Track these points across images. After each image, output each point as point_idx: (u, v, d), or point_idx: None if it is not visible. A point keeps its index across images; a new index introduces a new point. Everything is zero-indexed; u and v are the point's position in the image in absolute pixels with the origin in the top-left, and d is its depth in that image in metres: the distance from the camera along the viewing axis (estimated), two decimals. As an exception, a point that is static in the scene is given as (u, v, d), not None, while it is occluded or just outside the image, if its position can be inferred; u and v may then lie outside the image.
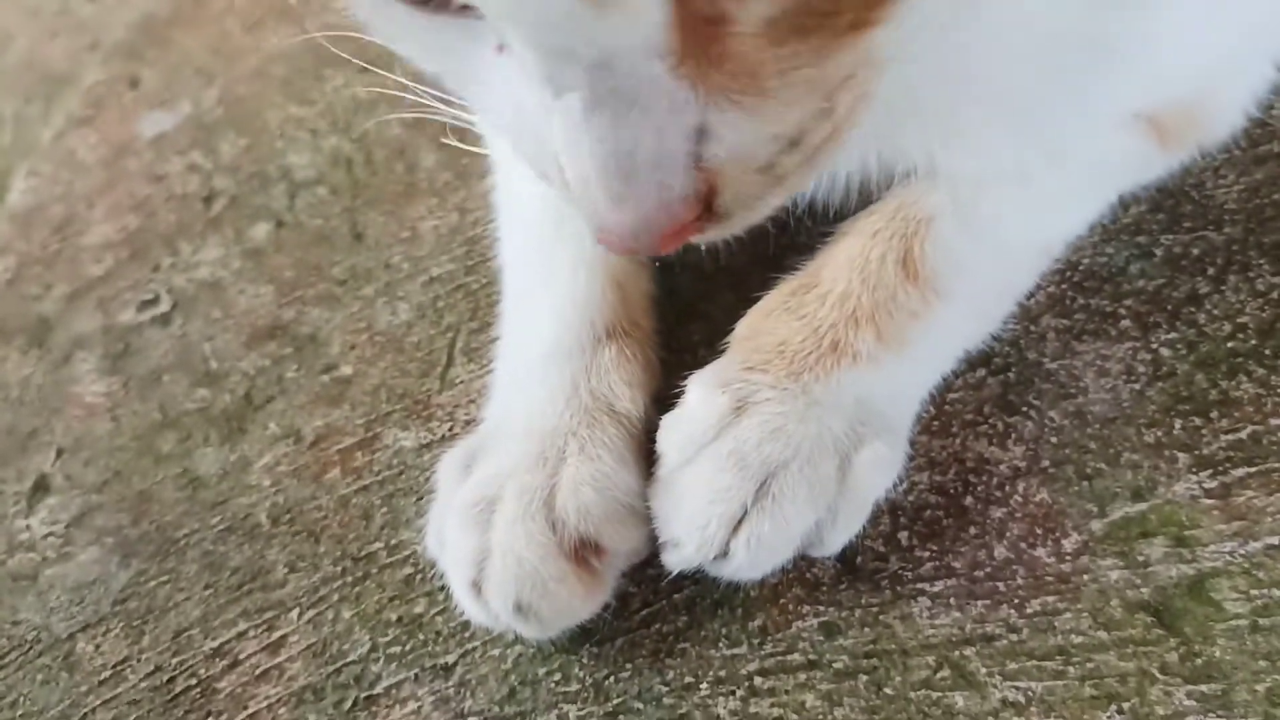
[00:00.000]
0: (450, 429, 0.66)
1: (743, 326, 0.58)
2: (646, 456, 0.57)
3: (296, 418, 0.69)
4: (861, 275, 0.57)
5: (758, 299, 0.58)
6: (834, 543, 0.54)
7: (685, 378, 0.57)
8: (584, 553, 0.55)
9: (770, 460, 0.53)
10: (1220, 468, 0.55)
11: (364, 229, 0.79)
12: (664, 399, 0.58)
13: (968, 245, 0.57)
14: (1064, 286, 0.63)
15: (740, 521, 0.52)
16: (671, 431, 0.56)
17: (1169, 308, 0.61)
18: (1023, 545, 0.55)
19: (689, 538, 0.53)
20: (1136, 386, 0.59)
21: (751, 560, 0.53)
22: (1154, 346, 0.60)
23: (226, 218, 0.83)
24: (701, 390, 0.56)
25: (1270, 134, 0.67)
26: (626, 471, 0.56)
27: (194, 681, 0.60)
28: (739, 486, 0.53)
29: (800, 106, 0.41)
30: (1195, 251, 0.63)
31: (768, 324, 0.58)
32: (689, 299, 0.66)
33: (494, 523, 0.55)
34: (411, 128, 0.85)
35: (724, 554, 0.53)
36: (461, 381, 0.68)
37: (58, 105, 0.98)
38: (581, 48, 0.37)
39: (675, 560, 0.54)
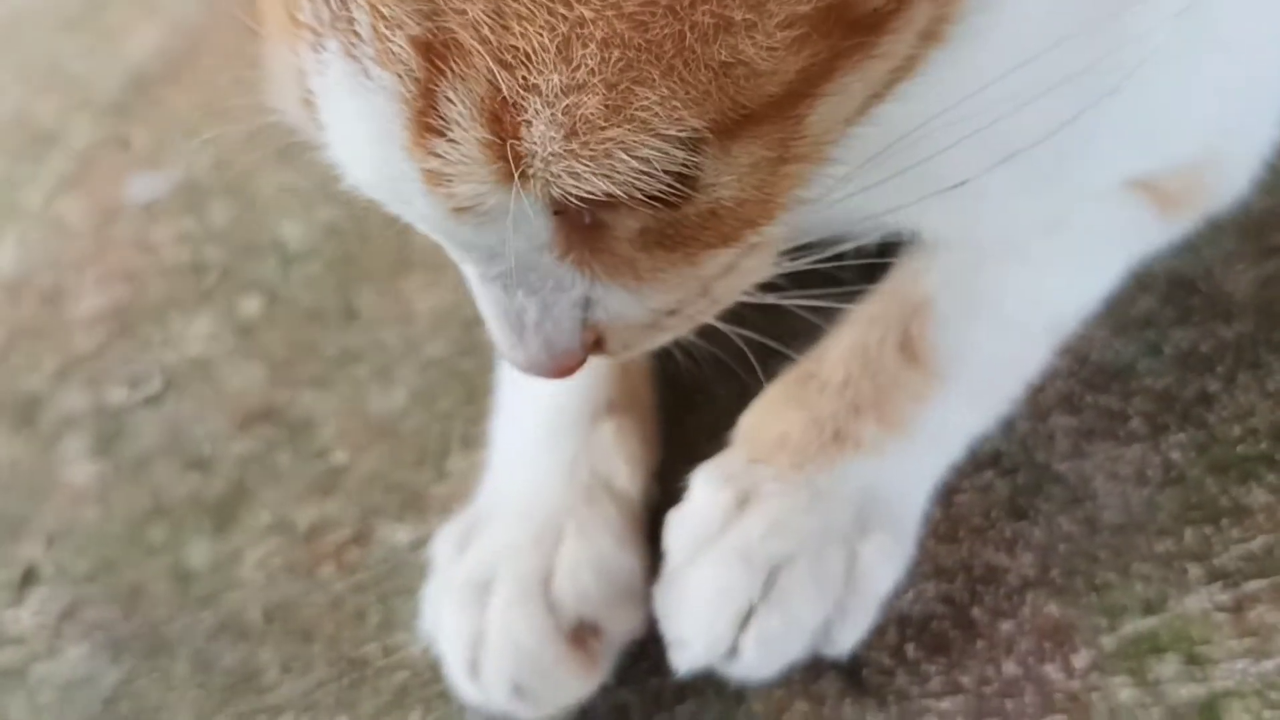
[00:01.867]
0: (446, 522, 0.65)
1: (746, 419, 0.58)
2: (645, 532, 0.57)
3: (289, 508, 0.68)
4: (862, 362, 0.56)
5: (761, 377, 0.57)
6: (844, 640, 0.53)
7: (691, 463, 0.56)
8: (582, 634, 0.54)
9: (776, 555, 0.52)
10: (1232, 580, 0.54)
11: (357, 305, 0.78)
12: (671, 489, 0.57)
13: (968, 324, 0.57)
14: (1073, 382, 0.62)
15: (748, 618, 0.51)
16: (676, 528, 0.55)
17: (1179, 408, 0.60)
18: (1031, 661, 0.54)
19: (697, 636, 0.52)
20: (1147, 492, 0.57)
21: (761, 658, 0.52)
22: (1164, 449, 0.59)
23: (218, 290, 0.82)
24: (705, 485, 0.55)
25: (1280, 222, 0.66)
26: (625, 552, 0.56)
27: (184, 792, 0.59)
28: (745, 582, 0.52)
29: (675, 294, 0.43)
30: (1205, 348, 0.62)
31: (770, 416, 0.57)
32: (693, 381, 0.64)
33: (490, 603, 0.54)
34: (407, 198, 0.83)
35: (733, 652, 0.52)
36: (457, 472, 0.67)
37: (47, 166, 0.96)
38: (470, 243, 0.40)
39: (683, 660, 0.53)
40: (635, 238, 0.41)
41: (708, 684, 0.54)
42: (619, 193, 0.36)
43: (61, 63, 1.08)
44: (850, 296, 0.56)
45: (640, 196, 0.37)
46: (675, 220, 0.39)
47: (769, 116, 0.36)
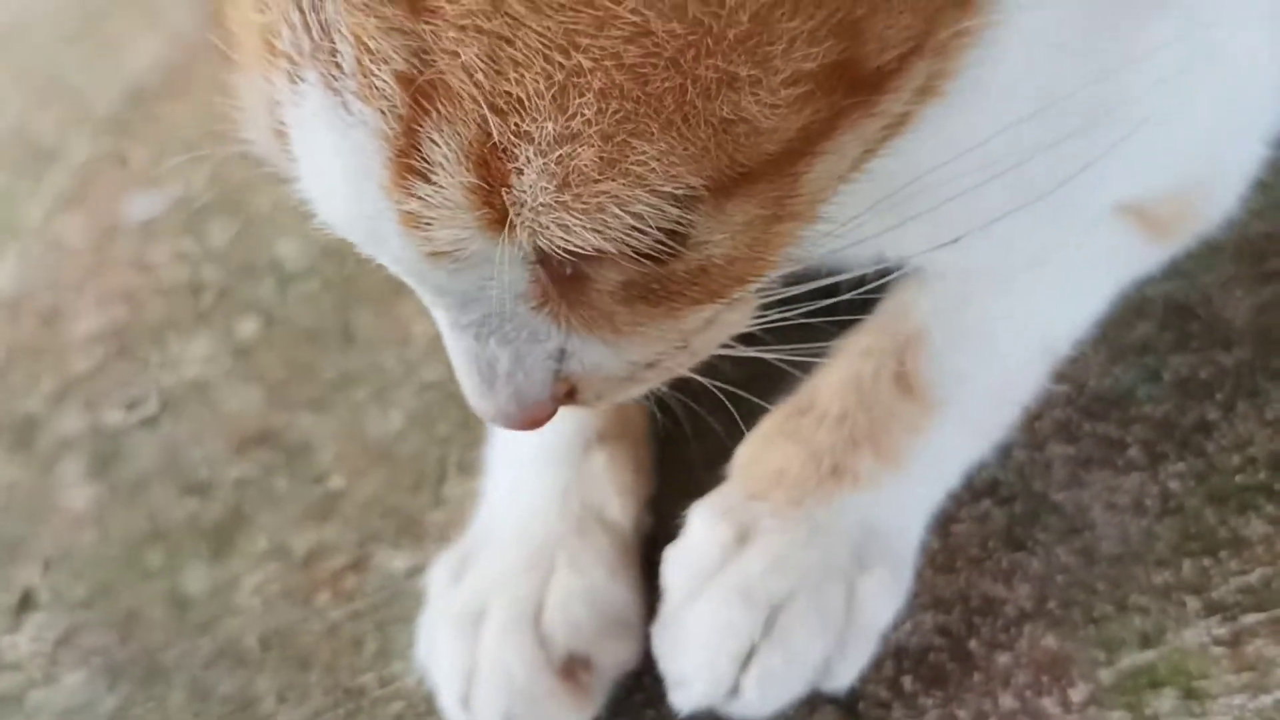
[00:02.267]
0: (442, 550, 0.65)
1: (742, 453, 0.57)
2: (639, 563, 0.57)
3: (286, 533, 0.68)
4: (857, 395, 0.56)
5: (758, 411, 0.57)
6: (844, 675, 0.53)
7: (687, 494, 0.56)
8: (573, 666, 0.54)
9: (776, 592, 0.52)
10: (1230, 613, 0.54)
11: (355, 327, 0.78)
12: (668, 522, 0.57)
13: (961, 353, 0.57)
14: (1070, 410, 0.62)
15: (750, 657, 0.51)
16: (675, 565, 0.55)
17: (1177, 436, 0.60)
18: (1029, 694, 0.54)
19: (698, 676, 0.52)
20: (1145, 522, 0.57)
21: (763, 696, 0.52)
22: (1162, 478, 0.59)
23: (215, 311, 0.82)
24: (703, 521, 0.55)
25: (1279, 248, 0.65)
26: (617, 584, 0.56)
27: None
28: (746, 621, 0.52)
29: (654, 348, 0.43)
30: (1204, 375, 0.62)
31: (767, 450, 0.57)
32: (688, 409, 0.64)
33: (482, 635, 0.54)
34: (404, 218, 0.83)
35: (734, 691, 0.51)
36: (454, 499, 0.67)
37: (47, 182, 0.96)
38: (444, 288, 0.39)
39: (684, 700, 0.53)
40: (617, 291, 0.40)
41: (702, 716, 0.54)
42: (609, 247, 0.35)
43: (61, 74, 1.08)
44: (824, 350, 0.56)
45: (629, 252, 0.36)
46: (661, 276, 0.39)
47: (766, 174, 0.36)
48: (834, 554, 0.53)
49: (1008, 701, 0.54)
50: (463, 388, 0.44)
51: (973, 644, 0.56)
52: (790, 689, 0.52)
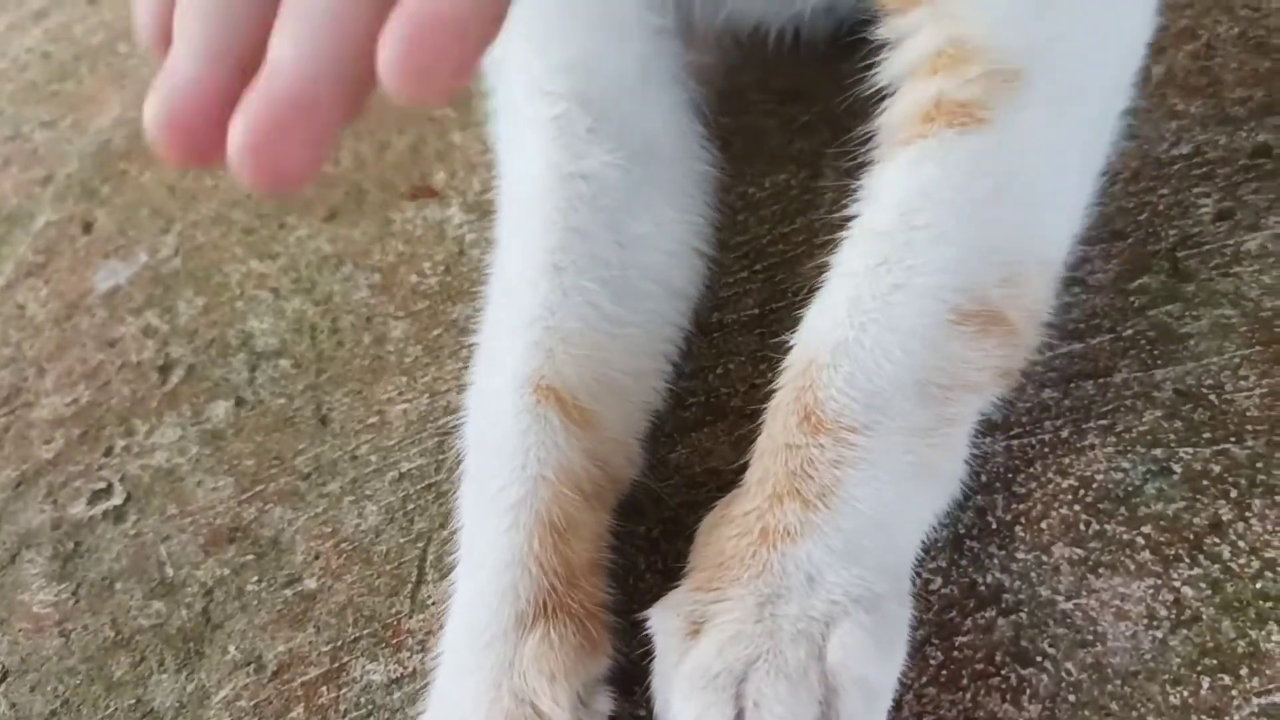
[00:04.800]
0: (421, 660, 0.62)
1: (691, 554, 0.56)
2: None
3: (258, 640, 0.65)
4: (772, 451, 0.54)
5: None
6: None
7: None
8: None
9: (735, 664, 0.50)
10: (1252, 736, 0.51)
11: (329, 411, 0.74)
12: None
13: (860, 365, 0.54)
14: (1077, 508, 0.59)
15: None
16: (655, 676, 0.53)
17: (1190, 537, 0.57)
18: (1041, 825, 0.51)
19: None
20: (1159, 634, 0.54)
21: None
22: (1175, 584, 0.56)
23: (183, 392, 0.78)
24: (657, 625, 0.53)
25: (1290, 327, 0.63)
26: None
27: None
28: (716, 702, 0.49)
29: None
30: (1216, 469, 0.59)
31: (707, 543, 0.55)
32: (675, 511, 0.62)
33: None
34: (379, 291, 0.80)
35: None
36: (433, 602, 0.64)
37: (8, 249, 0.93)
38: None
39: None
40: None
41: None
42: None
43: (22, 134, 1.05)
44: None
45: None
46: None
47: None
48: (787, 614, 0.51)
49: (1019, 834, 0.51)
50: None
51: (981, 770, 0.53)
52: None
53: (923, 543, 0.57)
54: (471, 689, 0.53)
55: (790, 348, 0.58)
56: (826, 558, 0.52)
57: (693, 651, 0.51)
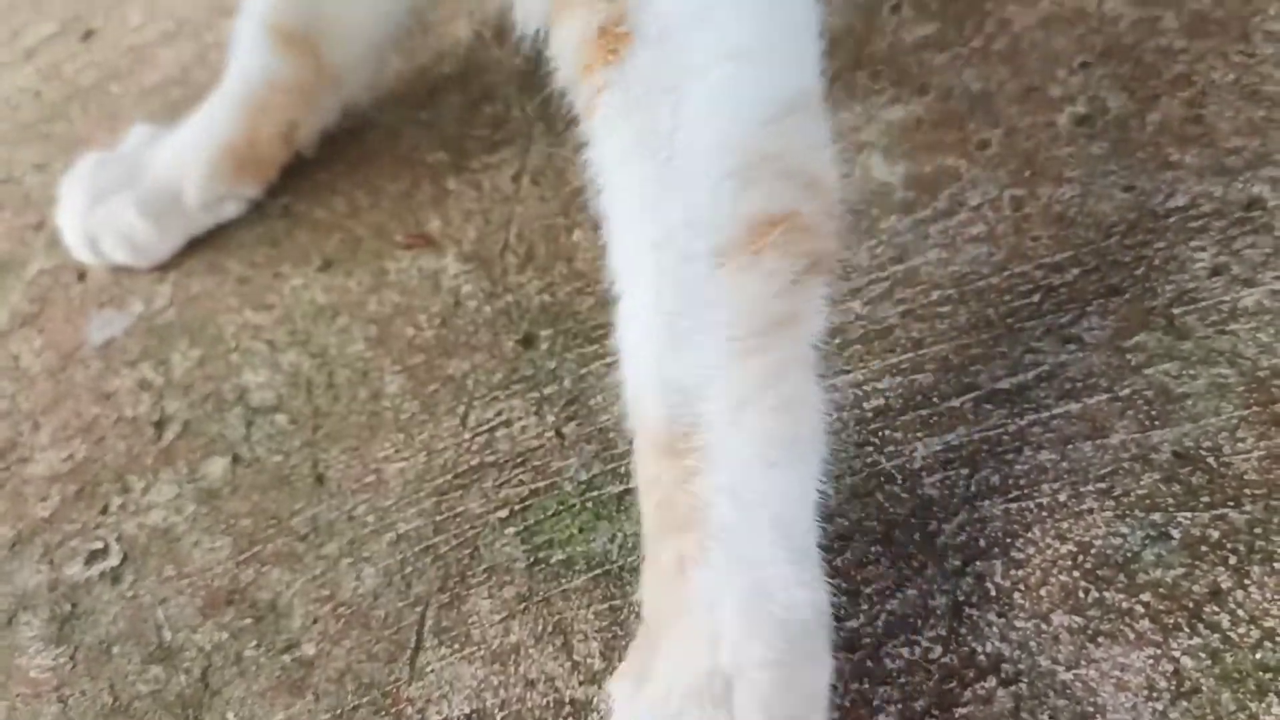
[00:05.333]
0: (420, 731, 0.62)
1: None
2: None
3: (257, 708, 0.65)
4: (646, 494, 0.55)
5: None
6: None
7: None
8: None
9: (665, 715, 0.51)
10: (1253, 811, 0.51)
11: (326, 470, 0.74)
12: None
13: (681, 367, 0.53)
14: (1076, 574, 0.59)
15: None
16: None
17: (1189, 605, 0.57)
18: None
19: None
20: (1159, 706, 0.54)
21: None
22: (1175, 654, 0.56)
23: (179, 448, 0.78)
24: (614, 690, 0.54)
25: (1288, 387, 0.63)
26: None
27: None
28: None
29: None
30: (1215, 534, 0.59)
31: (649, 595, 0.56)
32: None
33: None
34: (375, 344, 0.80)
35: None
36: (432, 670, 0.64)
37: (1, 297, 0.92)
38: None
39: None
40: None
41: None
42: None
43: (14, 173, 1.04)
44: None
45: None
46: None
47: None
48: (697, 648, 0.51)
49: None
50: None
51: (982, 847, 0.53)
52: None
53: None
54: None
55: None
56: (732, 580, 0.51)
57: (632, 703, 0.53)
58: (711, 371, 0.52)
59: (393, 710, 0.63)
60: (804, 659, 0.52)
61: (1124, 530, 0.60)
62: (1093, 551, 0.59)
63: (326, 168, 0.92)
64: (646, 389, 0.54)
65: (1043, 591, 0.59)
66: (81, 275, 0.92)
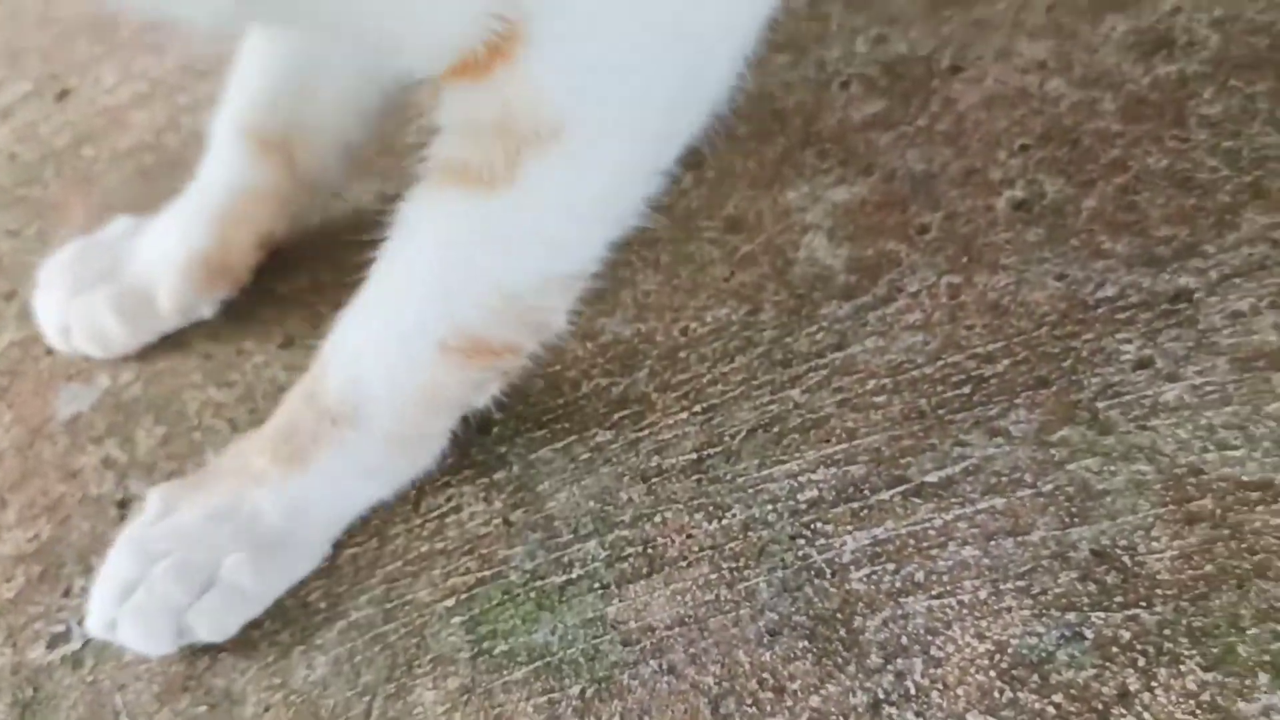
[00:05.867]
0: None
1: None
2: None
3: (209, 801, 0.67)
4: (286, 406, 0.75)
5: None
6: (208, 628, 0.71)
7: None
8: None
9: (157, 551, 0.71)
10: None
11: (280, 554, 0.76)
12: None
13: (361, 365, 0.70)
14: (993, 674, 0.61)
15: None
16: None
17: (1099, 707, 0.59)
18: None
19: (93, 608, 0.73)
20: (1066, 811, 0.57)
21: (134, 629, 0.70)
22: (1084, 757, 0.58)
23: (141, 530, 0.80)
24: (151, 493, 0.76)
25: (1203, 486, 0.65)
26: None
27: None
28: (128, 567, 0.71)
29: None
30: (1126, 635, 0.61)
31: (234, 447, 0.79)
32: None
33: None
34: (331, 426, 0.82)
35: (113, 624, 0.70)
36: (377, 762, 0.66)
37: (-29, 370, 0.95)
38: None
39: (88, 626, 0.72)
40: None
41: None
42: None
43: (-12, 242, 1.06)
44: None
45: None
46: None
47: None
48: (216, 532, 0.70)
49: None
50: None
51: None
52: (156, 627, 0.69)
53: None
54: None
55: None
56: (273, 506, 0.71)
57: (150, 526, 0.72)
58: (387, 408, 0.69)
59: (339, 803, 0.65)
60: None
61: (1040, 629, 0.62)
62: (1009, 651, 0.62)
63: (289, 241, 0.94)
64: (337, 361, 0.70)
65: (960, 690, 0.61)
66: (50, 349, 0.94)
